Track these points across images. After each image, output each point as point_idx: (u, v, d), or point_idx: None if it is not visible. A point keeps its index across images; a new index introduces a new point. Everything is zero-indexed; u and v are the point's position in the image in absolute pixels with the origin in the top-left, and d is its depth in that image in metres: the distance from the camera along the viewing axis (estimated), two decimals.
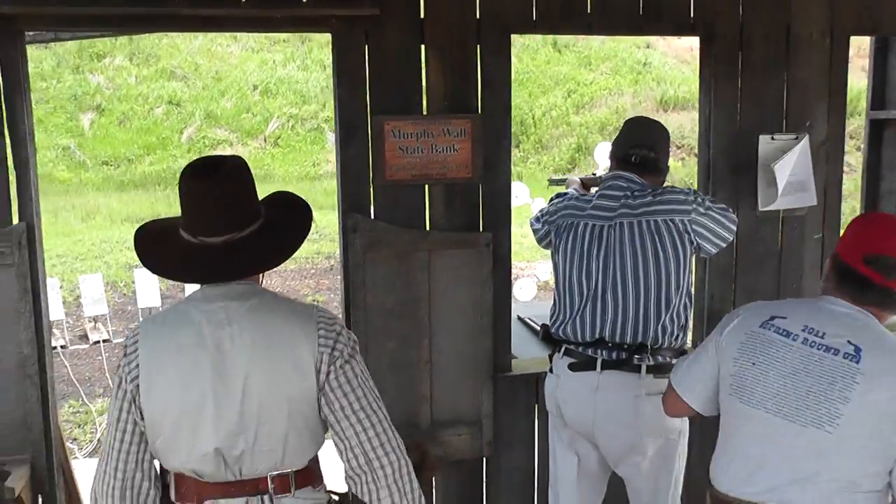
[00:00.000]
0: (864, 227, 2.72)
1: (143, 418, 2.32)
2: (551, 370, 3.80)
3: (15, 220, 3.87)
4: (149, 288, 10.62)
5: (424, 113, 4.17)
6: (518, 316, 5.39)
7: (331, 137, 23.13)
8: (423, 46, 4.15)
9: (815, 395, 2.49)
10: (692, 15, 4.50)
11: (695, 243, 3.59)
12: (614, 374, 3.57)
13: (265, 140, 23.27)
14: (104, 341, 10.43)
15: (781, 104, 4.70)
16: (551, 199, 3.98)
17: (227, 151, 22.44)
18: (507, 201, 4.35)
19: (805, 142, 4.64)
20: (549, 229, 3.89)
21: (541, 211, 4.03)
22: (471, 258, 4.24)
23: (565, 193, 3.97)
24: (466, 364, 4.32)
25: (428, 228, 4.24)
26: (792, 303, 2.81)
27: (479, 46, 4.21)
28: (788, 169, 4.59)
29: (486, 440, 4.39)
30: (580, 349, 3.65)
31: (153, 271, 2.46)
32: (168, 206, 18.45)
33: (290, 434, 2.33)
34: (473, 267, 4.24)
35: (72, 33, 5.07)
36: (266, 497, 2.34)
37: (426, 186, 4.21)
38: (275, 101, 24.14)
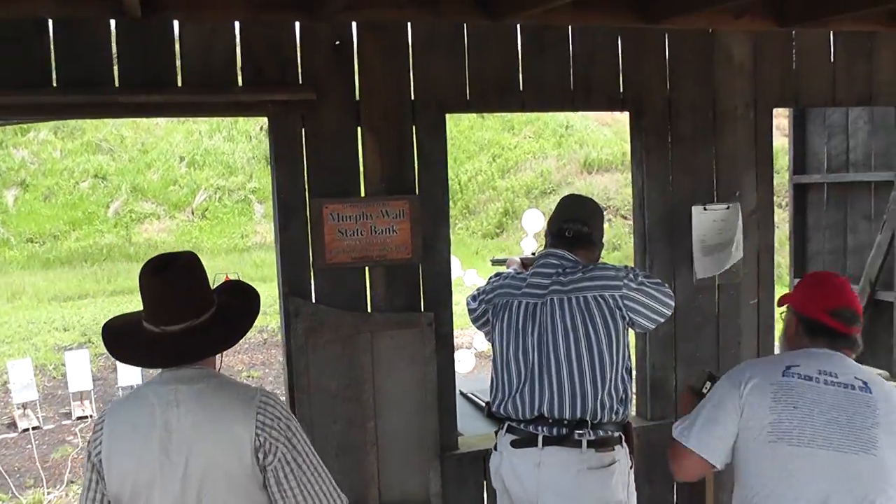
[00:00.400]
0: (820, 286, 3.06)
1: (106, 488, 2.55)
2: (496, 447, 3.80)
3: None
4: (80, 371, 10.38)
5: (363, 195, 4.19)
6: (461, 391, 5.38)
7: (258, 209, 23.07)
8: (359, 128, 4.18)
9: (855, 425, 2.76)
10: (622, 90, 4.61)
11: (627, 318, 3.61)
12: (556, 450, 3.57)
13: (192, 212, 23.12)
14: (34, 428, 10.01)
15: (711, 175, 4.81)
16: (489, 279, 4.00)
17: (155, 225, 22.24)
18: (447, 280, 4.38)
19: (737, 211, 4.76)
20: (487, 308, 3.90)
21: (478, 290, 4.04)
22: (413, 338, 4.24)
23: (501, 273, 4.00)
24: (413, 444, 4.29)
25: (369, 310, 4.24)
26: (790, 355, 3.01)
27: (414, 127, 4.26)
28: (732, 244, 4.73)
29: None
30: (522, 426, 3.66)
31: (122, 361, 2.73)
32: (95, 282, 18.16)
33: None
34: (416, 347, 4.24)
35: (5, 119, 5.01)
36: None
37: (366, 268, 4.22)
38: (202, 173, 24.05)
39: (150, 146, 24.68)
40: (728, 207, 4.78)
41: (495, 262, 4.58)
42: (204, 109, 4.10)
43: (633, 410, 4.10)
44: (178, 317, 2.53)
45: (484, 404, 4.94)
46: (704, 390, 3.25)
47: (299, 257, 4.13)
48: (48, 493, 8.22)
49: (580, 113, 25.58)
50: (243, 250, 20.86)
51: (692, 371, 3.35)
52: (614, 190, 21.43)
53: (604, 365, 3.57)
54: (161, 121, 25.00)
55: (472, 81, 4.33)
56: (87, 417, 10.31)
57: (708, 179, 4.81)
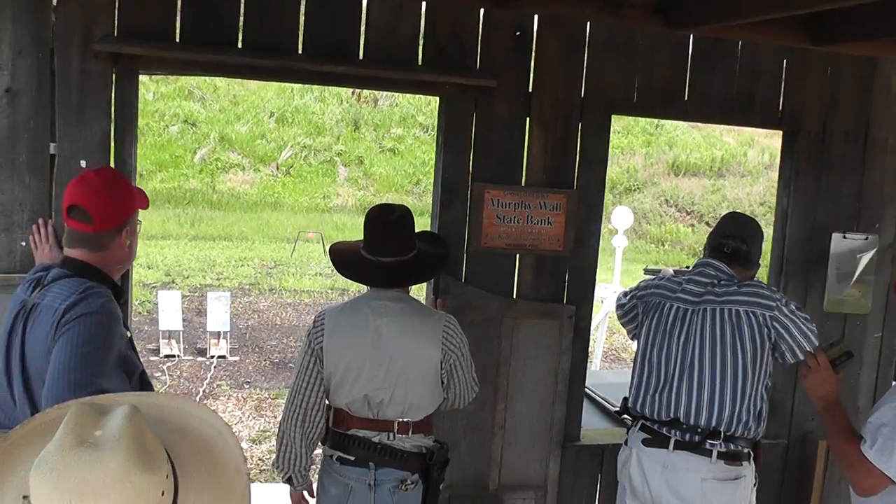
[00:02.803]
0: None
1: (323, 368, 3.39)
2: (626, 442, 3.88)
3: None
4: (171, 311, 10.61)
5: (523, 184, 4.27)
6: None
7: (342, 172, 23.23)
8: (528, 119, 4.26)
9: None
10: (781, 110, 4.64)
11: (773, 340, 3.65)
12: (685, 455, 3.65)
13: (277, 168, 23.37)
14: None
15: (855, 203, 4.82)
16: (642, 280, 4.08)
17: (239, 176, 22.52)
18: (592, 276, 4.45)
19: (875, 243, 4.78)
20: (637, 304, 3.98)
21: (629, 288, 4.12)
22: (553, 329, 4.33)
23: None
24: (539, 431, 4.40)
25: (514, 297, 4.33)
26: None
27: (581, 124, 4.33)
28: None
29: None
30: (655, 426, 3.74)
31: (346, 277, 3.60)
32: (178, 225, 18.48)
33: (414, 396, 3.37)
34: (554, 337, 4.34)
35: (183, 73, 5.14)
36: (392, 434, 3.36)
37: (517, 256, 4.31)
38: (290, 130, 24.27)
39: (242, 98, 24.97)
40: (867, 238, 4.79)
41: (648, 272, 4.65)
42: (383, 84, 4.19)
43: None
44: (391, 252, 3.40)
45: (602, 400, 5.02)
46: (838, 363, 3.31)
47: (455, 237, 4.22)
48: None
49: None
50: (324, 211, 21.09)
51: (833, 340, 3.42)
52: (699, 195, 21.31)
53: (745, 379, 3.63)
54: None
55: (641, 85, 4.40)
56: (174, 356, 10.52)
57: (851, 208, 4.82)
